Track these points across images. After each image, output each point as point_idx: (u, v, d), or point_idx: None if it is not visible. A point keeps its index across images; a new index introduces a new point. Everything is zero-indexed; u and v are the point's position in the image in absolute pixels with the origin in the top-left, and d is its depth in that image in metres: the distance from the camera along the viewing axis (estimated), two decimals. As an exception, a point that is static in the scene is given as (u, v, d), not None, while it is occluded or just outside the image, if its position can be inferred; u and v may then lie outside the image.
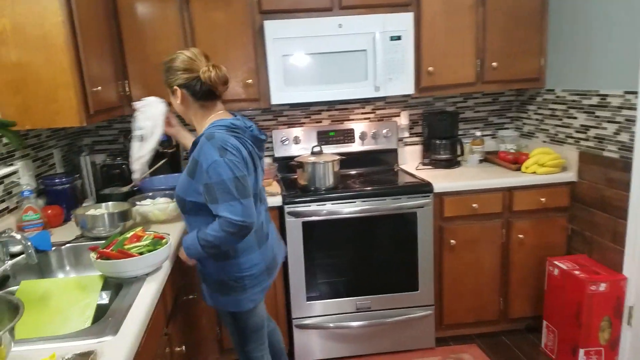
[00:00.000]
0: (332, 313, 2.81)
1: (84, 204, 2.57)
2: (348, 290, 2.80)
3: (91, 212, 2.20)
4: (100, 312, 1.55)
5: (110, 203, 2.32)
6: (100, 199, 2.68)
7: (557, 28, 2.99)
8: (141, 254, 1.67)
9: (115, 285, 1.68)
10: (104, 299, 1.69)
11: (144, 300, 1.51)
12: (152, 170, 2.79)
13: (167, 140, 2.92)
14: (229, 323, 1.98)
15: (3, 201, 2.12)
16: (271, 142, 3.26)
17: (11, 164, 2.21)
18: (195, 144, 1.76)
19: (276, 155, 3.20)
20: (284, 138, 3.18)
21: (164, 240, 1.77)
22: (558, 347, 2.76)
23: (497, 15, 2.97)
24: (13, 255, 1.88)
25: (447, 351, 2.92)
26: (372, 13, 2.85)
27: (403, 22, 2.83)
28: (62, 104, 2.12)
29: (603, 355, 2.59)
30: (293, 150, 3.19)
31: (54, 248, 2.01)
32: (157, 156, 2.84)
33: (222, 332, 2.80)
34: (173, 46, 2.74)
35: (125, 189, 2.70)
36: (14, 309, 1.18)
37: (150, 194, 2.48)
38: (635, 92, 2.43)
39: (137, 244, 1.71)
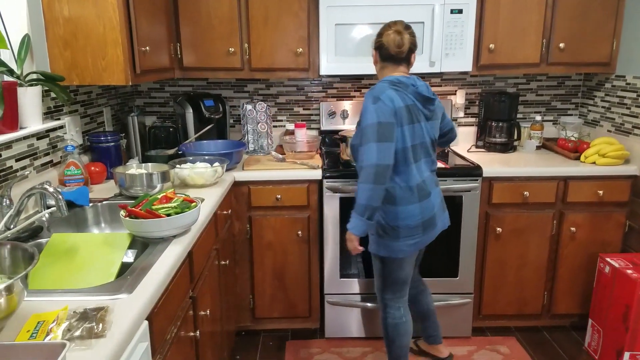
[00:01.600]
0: (365, 292, 2.74)
1: (127, 164, 2.60)
2: (385, 271, 2.72)
3: (130, 171, 2.22)
4: (125, 270, 1.55)
5: (150, 164, 2.33)
6: (146, 159, 2.72)
7: (634, 11, 2.74)
8: (168, 215, 1.65)
9: (142, 245, 1.68)
10: (130, 257, 1.69)
11: (166, 262, 1.50)
12: (197, 135, 2.80)
13: (213, 106, 2.91)
14: (376, 267, 2.23)
15: (47, 154, 2.17)
16: (318, 114, 3.19)
17: (58, 119, 2.25)
18: None
19: (322, 128, 3.13)
20: (331, 111, 3.09)
21: (193, 204, 1.74)
22: (602, 348, 2.59)
23: (569, -8, 2.75)
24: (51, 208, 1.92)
25: (484, 342, 2.80)
26: (433, -17, 2.70)
27: (466, -6, 2.66)
28: (110, 61, 2.14)
29: (652, 363, 2.42)
30: (340, 124, 3.11)
31: (91, 204, 2.04)
32: (204, 121, 2.88)
33: (255, 301, 2.79)
34: (227, 10, 2.70)
35: (170, 151, 2.71)
36: (29, 258, 1.18)
37: (191, 158, 2.47)
38: None
39: (166, 205, 1.69)
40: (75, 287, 1.42)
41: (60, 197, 1.61)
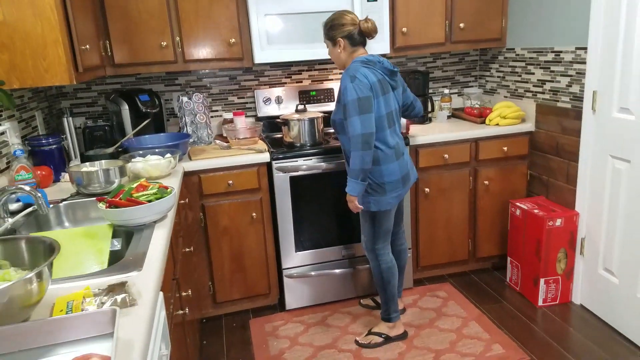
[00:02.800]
0: (319, 262, 2.95)
1: (71, 165, 2.58)
2: (334, 239, 2.94)
3: (85, 169, 2.23)
4: (114, 258, 1.62)
5: (103, 161, 2.34)
6: (85, 160, 2.68)
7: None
8: (150, 201, 1.73)
9: (125, 234, 1.74)
10: (116, 246, 1.75)
11: (159, 242, 1.59)
12: (136, 130, 2.82)
13: (149, 101, 2.94)
14: (367, 223, 2.51)
15: (-6, 160, 2.12)
16: (253, 102, 3.32)
17: None
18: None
19: (259, 115, 3.26)
20: (265, 98, 3.24)
21: (169, 190, 1.83)
22: (521, 280, 3.05)
23: (464, -23, 3.12)
24: (13, 213, 1.91)
25: (425, 290, 3.17)
26: (351, -27, 2.92)
27: (379, -17, 2.91)
28: (52, 61, 2.12)
29: (560, 283, 2.90)
30: (275, 110, 3.26)
31: (51, 205, 2.04)
32: (140, 116, 2.90)
33: (214, 287, 2.89)
34: (156, 3, 2.73)
35: (110, 149, 2.71)
36: (50, 248, 1.24)
37: (140, 152, 2.50)
38: (584, 48, 2.67)
39: (144, 192, 1.77)
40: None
41: (39, 194, 1.63)
